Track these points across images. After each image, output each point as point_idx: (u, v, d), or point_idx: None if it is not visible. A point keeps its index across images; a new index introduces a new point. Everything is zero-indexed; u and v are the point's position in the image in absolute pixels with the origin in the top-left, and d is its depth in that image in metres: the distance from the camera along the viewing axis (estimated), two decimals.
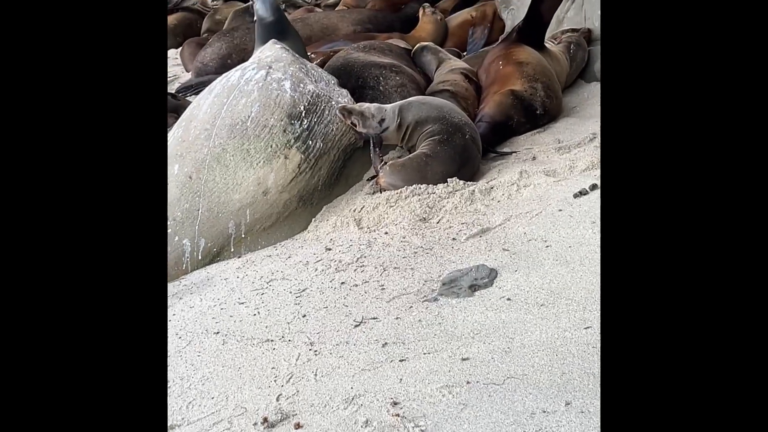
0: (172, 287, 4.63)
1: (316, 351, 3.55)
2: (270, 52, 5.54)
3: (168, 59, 10.03)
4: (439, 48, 7.11)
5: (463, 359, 3.27)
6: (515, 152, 5.64)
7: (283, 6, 6.73)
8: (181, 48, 9.87)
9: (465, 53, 8.14)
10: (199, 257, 4.91)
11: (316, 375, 3.38)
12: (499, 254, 4.13)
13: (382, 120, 5.29)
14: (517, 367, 3.17)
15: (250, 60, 5.77)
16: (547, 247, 4.10)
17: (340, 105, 5.28)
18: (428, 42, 7.81)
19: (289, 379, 3.39)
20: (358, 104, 5.39)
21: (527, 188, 4.82)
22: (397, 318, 3.72)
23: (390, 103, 5.66)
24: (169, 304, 4.34)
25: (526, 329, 3.41)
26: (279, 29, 6.43)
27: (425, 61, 6.83)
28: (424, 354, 3.37)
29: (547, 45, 7.03)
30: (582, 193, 4.54)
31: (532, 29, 6.68)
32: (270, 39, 6.22)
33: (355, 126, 5.28)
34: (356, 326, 3.71)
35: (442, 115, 5.31)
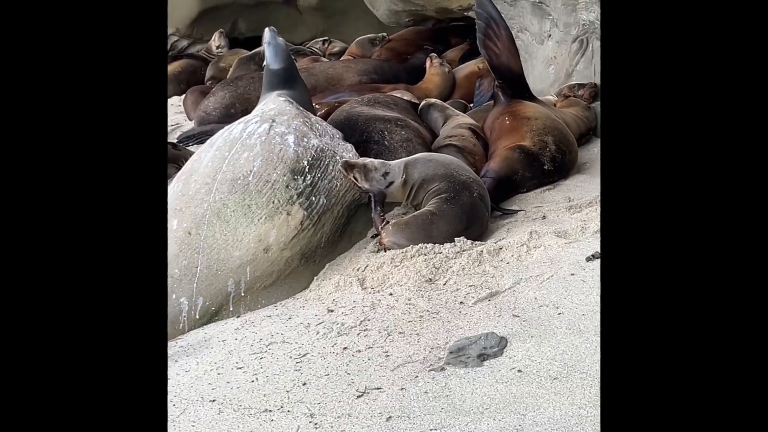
0: (168, 348, 4.46)
1: (316, 424, 3.38)
2: (274, 104, 5.42)
3: (170, 107, 9.95)
4: (445, 104, 7.01)
5: None
6: (523, 210, 5.49)
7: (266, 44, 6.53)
8: (184, 96, 9.79)
9: (471, 105, 8.04)
10: (197, 316, 4.75)
11: None
12: (509, 321, 3.97)
13: (386, 173, 5.15)
14: None
15: (254, 112, 5.66)
16: (560, 314, 3.94)
17: (342, 160, 5.14)
18: (435, 96, 7.73)
19: None
20: (361, 159, 5.26)
21: (537, 250, 4.66)
22: (402, 389, 3.54)
23: (396, 158, 5.53)
24: None
25: (538, 405, 3.23)
26: (287, 77, 6.22)
27: (432, 119, 6.72)
28: (431, 430, 3.20)
29: (551, 98, 6.95)
30: (595, 256, 4.38)
31: (511, 85, 6.57)
32: (277, 86, 6.05)
33: (357, 181, 5.14)
34: (359, 397, 3.54)
35: (449, 172, 5.17)
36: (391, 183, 5.17)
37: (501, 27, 6.50)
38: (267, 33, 6.31)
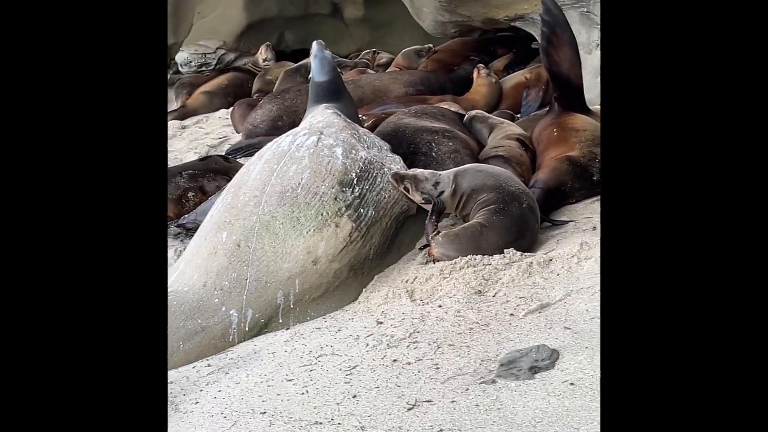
0: (217, 360, 4.48)
1: None
2: (321, 117, 5.44)
3: (218, 120, 10.04)
4: (488, 115, 6.96)
5: None
6: (573, 221, 5.44)
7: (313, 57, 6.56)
8: (231, 109, 9.86)
9: (519, 115, 8.00)
10: (247, 328, 4.76)
11: None
12: (560, 333, 3.93)
13: (437, 183, 5.13)
14: None
15: (302, 125, 5.68)
16: None
17: (391, 172, 5.13)
18: (482, 106, 7.70)
19: None
20: (411, 170, 5.25)
21: (588, 261, 4.61)
22: (452, 401, 3.52)
23: (443, 169, 5.51)
24: (215, 379, 4.19)
25: (592, 419, 3.19)
26: (333, 89, 6.24)
27: (476, 130, 6.68)
28: None
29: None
30: None
31: (567, 96, 6.48)
32: (323, 99, 6.07)
33: (408, 192, 5.13)
34: (409, 409, 3.52)
35: (499, 183, 5.14)
36: (441, 193, 5.15)
37: (566, 35, 6.36)
38: (315, 46, 6.33)
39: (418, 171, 5.19)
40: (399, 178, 5.10)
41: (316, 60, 6.30)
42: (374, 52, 11.49)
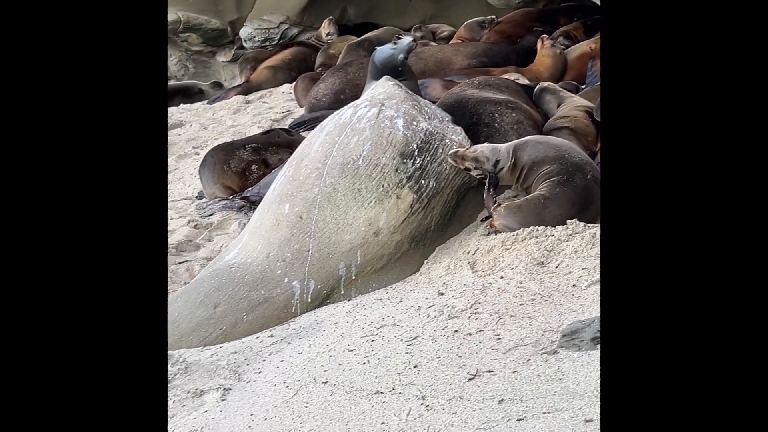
0: (280, 331, 4.53)
1: (427, 406, 3.37)
2: (383, 88, 5.42)
3: (281, 94, 10.07)
4: (558, 87, 6.86)
5: (587, 420, 3.04)
6: None
7: (393, 42, 6.57)
8: (294, 83, 9.88)
9: (584, 86, 7.88)
10: (309, 299, 4.79)
11: None
12: None
13: (497, 161, 5.08)
14: None
15: (362, 97, 5.67)
16: None
17: (451, 151, 5.08)
18: (546, 78, 7.60)
19: None
20: (471, 148, 5.16)
21: None
22: (514, 372, 3.50)
23: (506, 140, 5.46)
24: (278, 349, 4.24)
25: None
26: (392, 72, 6.30)
27: (545, 102, 6.59)
28: (544, 413, 3.14)
29: None
30: None
31: None
32: (383, 73, 6.10)
33: (469, 171, 5.09)
34: (470, 379, 3.52)
35: (561, 154, 5.06)
36: (501, 169, 5.10)
37: None
38: (407, 45, 6.31)
39: (477, 150, 5.12)
40: (459, 158, 5.05)
41: (388, 51, 6.32)
42: (419, 26, 11.37)
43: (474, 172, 5.08)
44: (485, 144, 5.22)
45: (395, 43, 6.40)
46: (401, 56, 6.25)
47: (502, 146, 5.21)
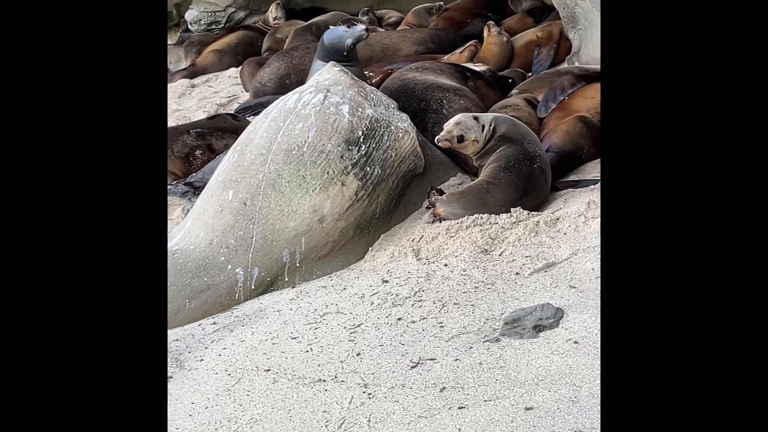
0: (223, 318, 4.50)
1: (370, 394, 3.37)
2: (328, 74, 5.38)
3: (227, 78, 9.97)
4: None
5: (527, 408, 3.07)
6: (582, 180, 5.39)
7: (346, 25, 6.59)
8: (241, 67, 9.78)
9: (530, 74, 7.92)
10: (252, 287, 4.76)
11: (369, 421, 3.21)
12: (565, 292, 3.91)
13: (483, 126, 5.12)
14: (585, 419, 2.96)
15: (308, 82, 5.63)
16: None
17: (437, 140, 5.10)
18: (492, 65, 7.62)
19: (341, 424, 3.22)
20: (448, 126, 5.16)
21: (595, 220, 4.57)
22: (456, 359, 3.52)
23: None
24: (220, 337, 4.21)
25: (594, 377, 3.18)
26: (340, 48, 6.37)
27: None
28: (485, 401, 3.17)
29: None
30: None
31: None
32: (330, 58, 6.12)
33: (464, 139, 5.09)
34: (413, 367, 3.53)
35: (522, 140, 5.10)
36: (483, 128, 5.13)
37: None
38: (359, 32, 6.32)
39: (459, 123, 5.13)
40: (448, 138, 5.08)
41: (338, 33, 6.34)
42: (368, 10, 11.33)
43: (471, 140, 5.09)
44: (458, 116, 5.22)
45: (348, 27, 6.41)
46: (349, 41, 6.26)
47: (480, 114, 5.25)
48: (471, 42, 8.14)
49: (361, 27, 6.46)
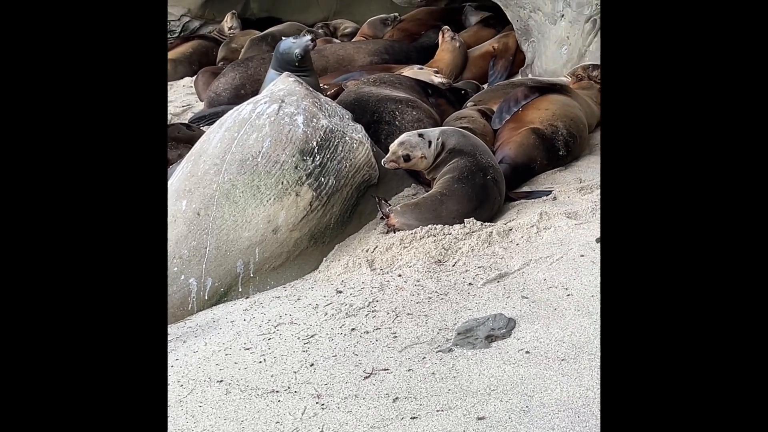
0: (176, 329, 4.46)
1: (323, 405, 3.37)
2: (283, 85, 5.38)
3: (182, 88, 9.92)
4: None
5: (479, 418, 3.09)
6: (535, 191, 5.44)
7: (294, 37, 6.66)
8: (195, 77, 9.73)
9: (485, 86, 7.98)
10: (206, 297, 4.74)
11: (322, 431, 3.20)
12: (517, 302, 3.95)
13: (430, 142, 5.13)
14: (536, 428, 2.99)
15: (263, 92, 5.63)
16: (569, 295, 3.91)
17: (383, 162, 5.11)
18: (446, 73, 7.67)
19: None
20: (394, 146, 5.17)
21: (547, 231, 4.63)
22: (409, 370, 3.53)
23: None
24: (173, 348, 4.18)
25: (546, 386, 3.21)
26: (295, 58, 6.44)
27: None
28: (437, 411, 3.18)
29: (564, 79, 6.88)
30: None
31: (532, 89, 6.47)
32: (285, 67, 6.17)
33: (410, 158, 5.10)
34: (366, 378, 3.53)
35: (475, 152, 5.14)
36: (430, 144, 5.14)
37: None
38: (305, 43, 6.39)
39: (403, 143, 5.13)
40: (394, 159, 5.08)
41: (287, 45, 6.41)
42: (325, 25, 11.35)
43: (419, 164, 5.11)
44: (402, 135, 5.23)
45: (295, 38, 6.49)
46: (297, 51, 6.32)
47: (426, 130, 5.27)
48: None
49: (307, 38, 6.62)
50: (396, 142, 5.18)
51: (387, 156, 5.12)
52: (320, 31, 10.81)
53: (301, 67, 6.30)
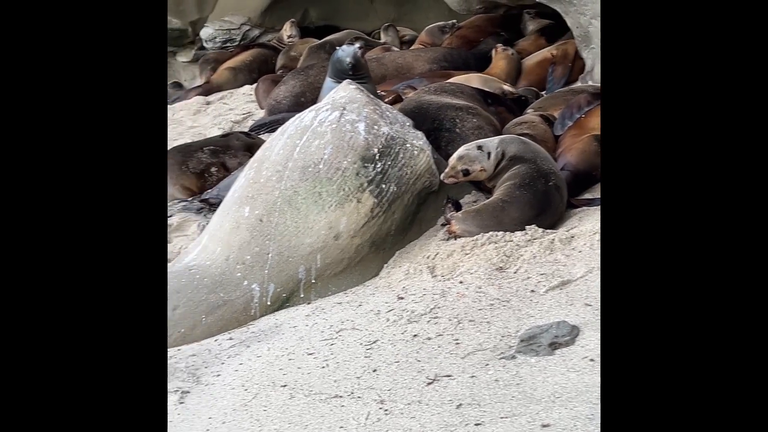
0: (239, 334, 4.52)
1: (386, 410, 3.38)
2: (345, 92, 5.42)
3: (242, 96, 10.03)
4: None
5: (544, 425, 3.08)
6: (597, 198, 5.41)
7: (359, 44, 6.76)
8: (255, 85, 9.84)
9: (543, 92, 7.94)
10: (268, 302, 4.78)
11: None
12: (581, 309, 3.92)
13: (489, 153, 5.13)
14: None
15: (324, 100, 5.67)
16: None
17: (443, 177, 5.13)
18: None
19: None
20: (452, 160, 5.17)
21: None
22: (472, 376, 3.53)
23: None
24: (236, 352, 4.23)
25: None
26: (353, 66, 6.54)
27: None
28: (501, 418, 3.17)
29: None
30: None
31: None
32: (342, 75, 6.24)
33: (469, 173, 5.12)
34: (429, 384, 3.54)
35: (535, 158, 5.12)
36: (489, 155, 5.14)
37: None
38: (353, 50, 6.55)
39: (462, 156, 5.14)
40: (452, 174, 5.10)
41: (338, 55, 6.53)
42: (389, 26, 11.36)
43: (477, 170, 5.12)
44: (461, 149, 5.24)
45: (345, 48, 6.66)
46: (348, 60, 6.44)
47: (485, 141, 5.26)
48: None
49: (355, 46, 6.77)
50: (455, 156, 5.18)
51: (446, 171, 5.12)
52: (388, 38, 10.84)
53: (356, 75, 6.36)
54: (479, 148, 5.17)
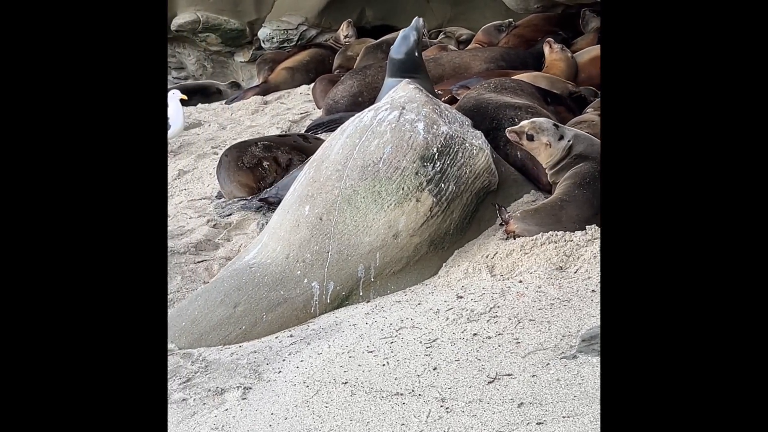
0: (299, 331, 4.56)
1: (447, 408, 3.40)
2: (404, 92, 5.44)
3: (299, 95, 10.11)
4: None
5: None
6: None
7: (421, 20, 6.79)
8: (313, 84, 9.91)
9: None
10: (328, 301, 4.82)
11: None
12: None
13: (562, 137, 5.15)
14: None
15: (383, 99, 5.70)
16: None
17: (509, 130, 5.22)
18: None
19: None
20: (528, 123, 5.25)
21: None
22: (533, 375, 3.53)
23: None
24: (297, 350, 4.27)
25: None
26: (411, 66, 6.51)
27: None
28: (564, 417, 3.17)
29: None
30: None
31: None
32: (401, 74, 6.26)
33: (532, 140, 5.15)
34: (490, 383, 3.55)
35: (597, 158, 5.10)
36: (561, 139, 5.16)
37: None
38: (415, 22, 6.57)
39: (537, 123, 5.20)
40: (517, 132, 5.15)
41: (400, 37, 6.51)
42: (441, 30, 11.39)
43: (542, 142, 5.15)
44: (539, 118, 5.31)
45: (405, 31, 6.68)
46: (413, 35, 6.52)
47: (564, 126, 5.33)
48: None
49: (414, 21, 6.70)
50: (529, 120, 5.21)
51: (513, 127, 5.16)
52: (446, 39, 10.86)
53: (416, 71, 6.40)
54: (556, 126, 5.20)
